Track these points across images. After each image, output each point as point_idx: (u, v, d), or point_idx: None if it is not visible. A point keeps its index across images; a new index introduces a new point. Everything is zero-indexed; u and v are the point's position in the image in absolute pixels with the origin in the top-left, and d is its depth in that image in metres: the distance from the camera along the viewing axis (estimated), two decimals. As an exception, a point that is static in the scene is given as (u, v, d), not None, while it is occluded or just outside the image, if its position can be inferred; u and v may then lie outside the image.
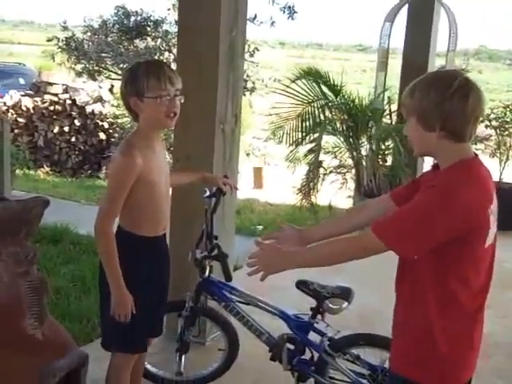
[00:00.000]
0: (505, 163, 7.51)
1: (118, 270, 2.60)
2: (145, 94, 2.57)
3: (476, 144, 7.59)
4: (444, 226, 1.89)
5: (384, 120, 7.19)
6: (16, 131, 11.51)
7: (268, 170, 12.22)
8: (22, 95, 12.36)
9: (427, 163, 7.54)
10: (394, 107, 7.28)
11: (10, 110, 11.93)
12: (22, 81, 16.15)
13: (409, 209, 1.96)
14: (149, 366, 3.51)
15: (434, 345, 1.99)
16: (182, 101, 2.68)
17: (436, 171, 2.08)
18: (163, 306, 2.97)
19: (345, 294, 2.99)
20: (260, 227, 7.08)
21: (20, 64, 19.03)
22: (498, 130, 7.45)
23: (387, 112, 7.26)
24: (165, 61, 11.55)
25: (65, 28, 12.26)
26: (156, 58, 11.54)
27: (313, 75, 6.96)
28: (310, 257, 2.14)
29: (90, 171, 11.52)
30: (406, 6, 7.70)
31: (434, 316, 1.98)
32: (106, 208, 2.62)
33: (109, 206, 2.61)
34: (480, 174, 2.02)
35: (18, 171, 9.31)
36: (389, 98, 7.40)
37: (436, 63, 8.23)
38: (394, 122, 7.16)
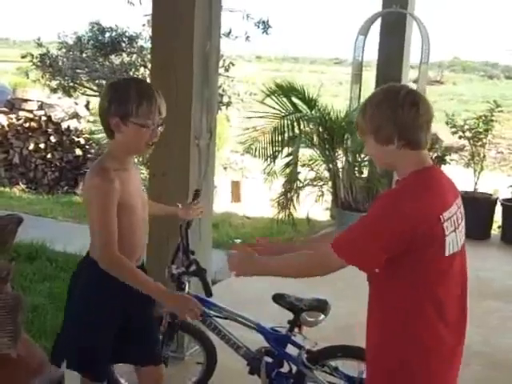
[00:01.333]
0: (479, 173, 7.60)
1: (151, 282, 2.46)
2: (130, 119, 2.42)
3: (450, 155, 7.69)
4: (390, 233, 1.93)
5: (359, 132, 7.23)
6: (-10, 149, 11.41)
7: (246, 183, 12.23)
8: (-3, 112, 12.24)
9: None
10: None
11: (-15, 128, 11.81)
12: (-4, 98, 16.00)
13: (358, 222, 2.01)
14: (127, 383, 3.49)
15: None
16: (162, 130, 2.58)
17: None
18: (150, 334, 2.81)
19: (321, 306, 3.00)
20: (238, 240, 7.06)
21: (-6, 81, 18.87)
22: (471, 141, 7.55)
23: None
24: (140, 76, 11.55)
25: (39, 44, 12.18)
26: (131, 73, 11.55)
27: (284, 90, 7.00)
28: (272, 264, 2.21)
29: (66, 187, 11.42)
30: (379, 20, 7.80)
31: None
32: (102, 236, 2.43)
33: (104, 233, 2.42)
34: (434, 182, 2.04)
35: (-8, 189, 9.22)
36: (363, 110, 7.45)
37: (409, 75, 8.34)
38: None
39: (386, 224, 1.93)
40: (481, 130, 7.50)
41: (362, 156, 7.13)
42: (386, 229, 1.93)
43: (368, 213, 2.01)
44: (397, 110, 1.98)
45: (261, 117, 7.04)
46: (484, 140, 7.57)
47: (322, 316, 2.98)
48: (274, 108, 7.01)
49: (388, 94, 2.05)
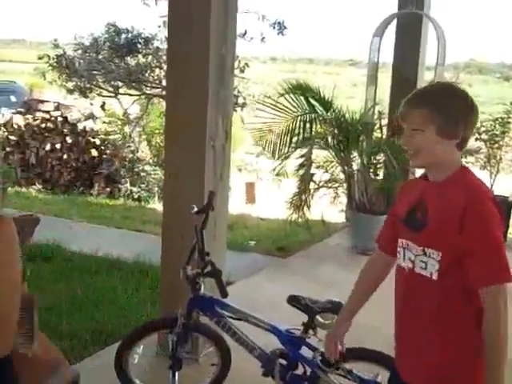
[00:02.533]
0: (495, 176, 7.55)
1: None
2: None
3: (466, 157, 7.63)
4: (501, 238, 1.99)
5: (375, 134, 7.21)
6: (7, 149, 11.49)
7: (260, 185, 12.24)
8: (14, 113, 12.35)
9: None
10: (385, 121, 7.32)
11: (2, 128, 11.91)
12: (13, 98, 16.17)
13: (483, 240, 1.95)
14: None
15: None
16: None
17: (433, 183, 2.11)
18: None
19: (336, 308, 2.97)
20: (252, 242, 7.08)
21: (11, 82, 19.03)
22: (487, 143, 7.50)
23: (378, 126, 7.29)
24: (155, 78, 11.60)
25: (56, 46, 12.26)
26: (147, 75, 11.60)
27: (302, 89, 6.98)
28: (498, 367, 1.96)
29: (82, 188, 11.49)
30: (395, 21, 7.77)
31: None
32: None
33: None
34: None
35: (9, 189, 9.28)
36: (379, 112, 7.43)
37: (425, 77, 8.30)
38: (384, 136, 7.19)
39: (499, 231, 1.98)
40: (497, 133, 7.45)
41: (377, 158, 7.10)
42: (500, 235, 1.99)
43: (480, 223, 1.96)
44: (470, 110, 2.05)
45: (276, 115, 6.99)
46: (500, 142, 7.52)
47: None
48: (290, 108, 6.97)
49: (461, 93, 2.07)
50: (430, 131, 2.01)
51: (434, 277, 2.02)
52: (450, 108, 2.02)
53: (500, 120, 7.48)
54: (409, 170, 7.35)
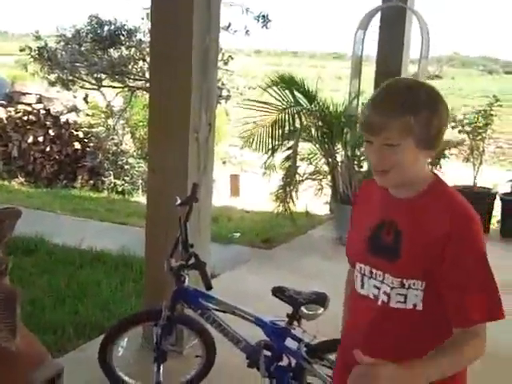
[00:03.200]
0: (478, 168, 7.60)
1: None
2: None
3: (449, 149, 7.67)
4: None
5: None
6: (-11, 142, 11.40)
7: (245, 177, 12.23)
8: (-5, 105, 12.23)
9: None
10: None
11: (-17, 121, 11.80)
12: (-6, 91, 15.98)
13: (475, 275, 1.68)
14: (126, 378, 3.49)
15: None
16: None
17: (400, 200, 1.78)
18: None
19: (320, 299, 3.00)
20: (237, 234, 7.07)
21: (-8, 74, 18.84)
22: (470, 135, 7.54)
23: (361, 118, 7.31)
24: (138, 70, 11.54)
25: (37, 37, 12.14)
26: (130, 67, 11.53)
27: (286, 82, 6.98)
28: (434, 371, 1.61)
29: (65, 181, 11.42)
30: (379, 14, 7.78)
31: None
32: None
33: None
34: None
35: (-9, 182, 9.21)
36: (363, 104, 7.45)
37: (409, 70, 8.33)
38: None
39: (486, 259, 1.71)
40: (480, 125, 7.49)
41: (361, 150, 7.12)
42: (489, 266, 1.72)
43: (469, 253, 1.67)
44: (448, 115, 1.73)
45: (261, 109, 7.00)
46: (483, 134, 7.56)
47: (321, 309, 2.98)
48: (275, 100, 6.98)
49: (438, 94, 1.72)
50: (408, 144, 1.65)
51: (419, 307, 1.74)
52: (435, 117, 1.67)
53: (483, 112, 7.52)
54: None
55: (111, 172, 11.19)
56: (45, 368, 2.57)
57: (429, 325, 1.75)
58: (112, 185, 10.99)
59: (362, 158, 7.16)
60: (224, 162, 12.55)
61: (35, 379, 2.50)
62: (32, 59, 11.85)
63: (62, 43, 11.99)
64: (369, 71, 8.26)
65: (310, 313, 2.99)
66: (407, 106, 1.63)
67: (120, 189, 11.00)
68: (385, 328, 1.80)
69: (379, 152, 1.67)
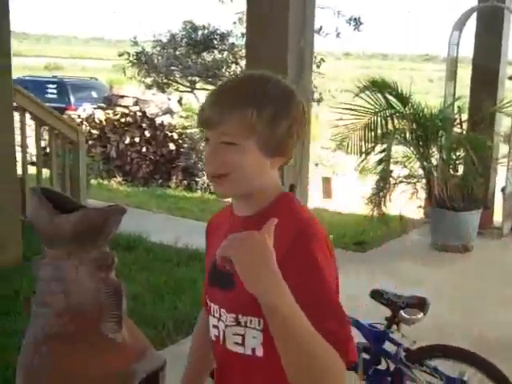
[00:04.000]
0: None
1: None
2: None
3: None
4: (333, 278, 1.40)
5: (454, 129, 7.08)
6: (90, 142, 11.87)
7: (337, 180, 12.17)
8: (95, 108, 12.75)
9: (501, 175, 7.39)
10: (465, 116, 7.18)
11: (84, 122, 12.32)
12: (94, 94, 16.68)
13: (317, 304, 1.28)
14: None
15: None
16: None
17: (238, 218, 1.50)
18: None
19: (420, 304, 2.95)
20: (330, 236, 7.06)
21: (92, 78, 19.65)
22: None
23: (457, 121, 7.15)
24: (231, 73, 11.73)
25: (135, 43, 12.61)
26: (223, 70, 11.74)
27: (378, 86, 6.93)
28: (290, 311, 1.19)
29: (160, 180, 11.76)
30: (475, 14, 7.57)
31: None
32: None
33: None
34: None
35: (92, 181, 9.59)
36: (459, 107, 7.29)
37: (508, 71, 8.06)
38: (464, 131, 7.06)
39: (328, 270, 1.37)
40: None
41: (457, 153, 6.97)
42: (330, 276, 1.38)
43: (308, 277, 1.32)
44: (301, 117, 1.44)
45: (353, 112, 6.98)
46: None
47: (421, 314, 2.93)
48: (367, 104, 6.94)
49: (293, 91, 1.44)
50: (250, 146, 1.37)
51: (259, 353, 1.38)
52: (282, 115, 1.38)
53: None
54: (491, 167, 7.20)
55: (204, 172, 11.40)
56: (148, 360, 2.64)
57: (274, 378, 1.34)
58: (205, 185, 11.21)
59: (457, 162, 7.01)
60: (316, 164, 12.54)
61: (139, 370, 2.60)
62: (130, 63, 12.30)
63: (158, 48, 12.40)
64: (464, 73, 8.07)
65: (410, 317, 2.95)
66: (249, 98, 1.37)
67: (213, 189, 11.18)
68: (230, 374, 1.49)
69: (215, 151, 1.39)
